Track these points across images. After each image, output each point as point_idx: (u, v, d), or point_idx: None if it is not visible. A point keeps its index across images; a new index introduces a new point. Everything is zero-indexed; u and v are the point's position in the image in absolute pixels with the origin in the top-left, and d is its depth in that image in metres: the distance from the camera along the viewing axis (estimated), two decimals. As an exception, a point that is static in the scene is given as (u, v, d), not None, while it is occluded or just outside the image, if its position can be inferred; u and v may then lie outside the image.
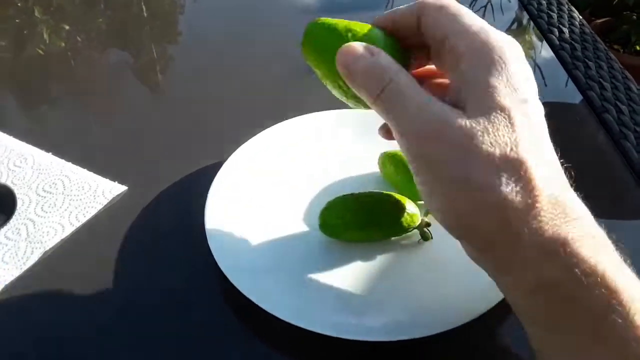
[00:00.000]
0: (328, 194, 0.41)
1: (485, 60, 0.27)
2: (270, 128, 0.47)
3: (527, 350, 0.33)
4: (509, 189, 0.25)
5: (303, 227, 0.41)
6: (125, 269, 0.39)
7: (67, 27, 0.71)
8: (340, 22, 0.30)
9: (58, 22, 0.73)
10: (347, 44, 0.29)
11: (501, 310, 0.32)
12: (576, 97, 0.56)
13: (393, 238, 0.40)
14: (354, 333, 0.33)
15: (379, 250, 0.39)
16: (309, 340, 0.33)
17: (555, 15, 0.68)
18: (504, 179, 0.25)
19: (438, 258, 0.38)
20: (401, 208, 0.39)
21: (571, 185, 0.27)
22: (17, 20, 0.74)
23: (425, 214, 0.40)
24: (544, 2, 0.71)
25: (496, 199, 0.25)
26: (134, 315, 0.37)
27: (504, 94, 0.26)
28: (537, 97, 0.28)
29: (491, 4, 0.74)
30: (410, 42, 0.31)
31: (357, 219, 0.39)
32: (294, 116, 0.48)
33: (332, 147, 0.47)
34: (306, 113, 0.48)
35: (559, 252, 0.24)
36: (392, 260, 0.39)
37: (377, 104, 0.28)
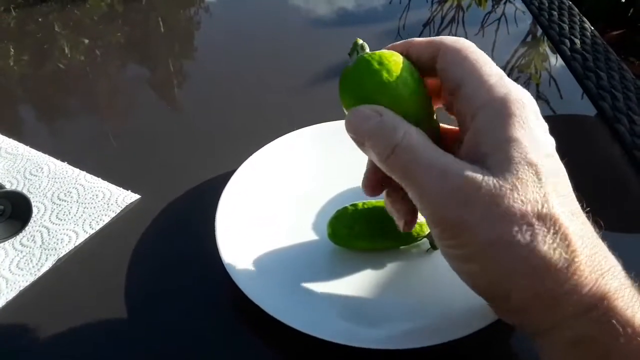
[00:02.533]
0: (337, 203, 0.41)
1: (506, 114, 0.25)
2: (279, 138, 0.47)
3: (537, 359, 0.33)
4: (547, 246, 0.24)
5: (313, 237, 0.41)
6: (138, 276, 0.40)
7: (86, 42, 0.73)
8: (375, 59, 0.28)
9: (77, 37, 0.75)
10: (354, 108, 0.28)
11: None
12: (591, 110, 0.56)
13: (402, 247, 0.40)
14: (363, 341, 0.33)
15: (389, 259, 0.39)
16: (319, 348, 0.33)
17: (566, 26, 0.68)
18: (540, 237, 0.24)
19: (447, 267, 0.38)
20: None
21: (598, 233, 0.26)
22: (38, 35, 0.76)
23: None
24: (555, 13, 0.71)
25: (535, 258, 0.24)
26: (145, 323, 0.37)
27: (528, 148, 0.25)
28: (554, 149, 0.27)
29: (505, 16, 0.74)
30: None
31: (366, 229, 0.39)
32: (304, 126, 0.48)
33: (341, 156, 0.47)
34: (316, 123, 0.49)
35: (597, 307, 0.24)
36: (402, 269, 0.39)
37: (389, 166, 0.27)
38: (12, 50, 0.72)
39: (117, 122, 0.59)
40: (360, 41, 0.30)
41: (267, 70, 0.64)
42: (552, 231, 0.24)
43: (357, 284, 0.38)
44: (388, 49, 0.30)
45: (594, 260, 0.24)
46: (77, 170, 0.48)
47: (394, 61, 0.28)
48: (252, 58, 0.67)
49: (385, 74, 0.28)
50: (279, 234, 0.41)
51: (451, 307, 0.35)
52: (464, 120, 0.27)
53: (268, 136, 0.47)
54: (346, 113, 0.29)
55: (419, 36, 0.70)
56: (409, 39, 0.30)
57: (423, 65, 0.29)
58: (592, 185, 0.41)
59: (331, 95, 0.51)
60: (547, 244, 0.24)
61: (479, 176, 0.25)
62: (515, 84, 0.27)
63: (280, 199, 0.44)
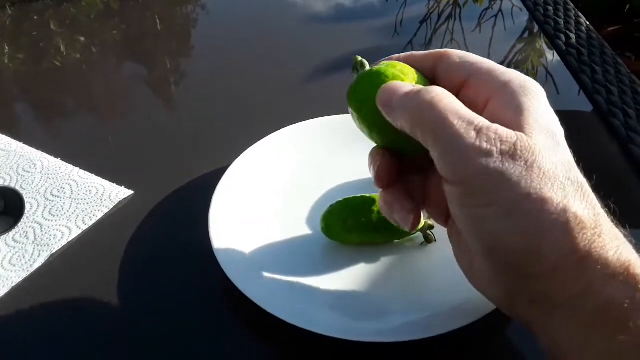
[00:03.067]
0: (331, 198, 0.41)
1: (526, 91, 0.27)
2: (273, 134, 0.47)
3: (530, 351, 0.33)
4: (577, 204, 0.24)
5: (306, 231, 0.41)
6: (131, 272, 0.40)
7: (82, 40, 0.73)
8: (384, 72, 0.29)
9: (73, 35, 0.74)
10: (386, 84, 0.28)
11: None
12: (588, 105, 0.56)
13: (396, 241, 0.40)
14: (357, 334, 0.33)
15: (382, 253, 0.39)
16: (314, 342, 0.33)
17: (562, 22, 0.68)
18: (571, 195, 0.24)
19: (441, 260, 0.38)
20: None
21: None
22: (33, 33, 0.75)
23: (428, 217, 0.40)
24: (550, 8, 0.71)
25: (567, 214, 0.24)
26: (139, 318, 0.37)
27: (549, 118, 0.27)
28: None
29: (502, 12, 0.74)
30: None
31: (359, 223, 0.39)
32: (298, 122, 0.48)
33: (335, 151, 0.47)
34: (310, 119, 0.49)
35: (622, 273, 0.24)
36: (396, 263, 0.39)
37: (425, 121, 0.26)
38: (7, 48, 0.72)
39: (111, 118, 0.59)
40: (359, 58, 0.31)
41: (263, 68, 0.64)
42: (580, 192, 0.25)
43: (351, 278, 0.38)
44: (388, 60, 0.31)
45: (613, 229, 0.25)
46: (70, 167, 0.48)
47: (402, 68, 0.29)
48: (248, 55, 0.67)
49: (401, 77, 0.29)
50: (273, 228, 0.41)
51: (445, 300, 0.35)
52: (476, 109, 0.27)
53: (262, 132, 0.47)
54: (358, 125, 0.31)
55: (416, 33, 0.70)
56: (409, 53, 0.31)
57: (424, 72, 0.30)
58: (589, 179, 0.41)
59: (326, 91, 0.51)
60: (578, 201, 0.24)
61: (513, 134, 0.25)
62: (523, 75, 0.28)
63: (273, 194, 0.44)
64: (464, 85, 0.28)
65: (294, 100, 0.57)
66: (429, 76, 0.30)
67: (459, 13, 0.76)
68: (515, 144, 0.25)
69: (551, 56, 0.64)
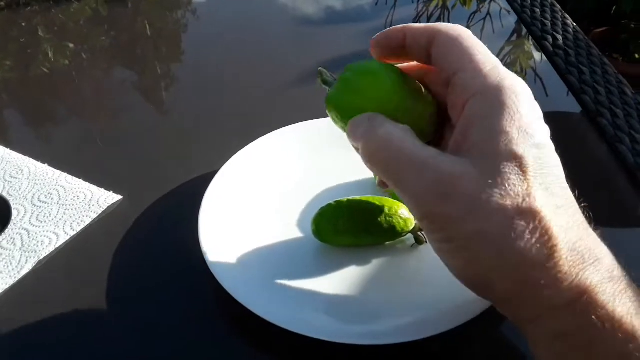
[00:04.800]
0: (321, 200, 0.41)
1: (496, 104, 0.25)
2: (263, 137, 0.47)
3: (521, 351, 0.33)
4: (525, 242, 0.24)
5: (297, 234, 0.41)
6: (119, 278, 0.39)
7: (71, 46, 0.72)
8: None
9: (62, 41, 0.74)
10: (351, 119, 0.28)
11: (496, 312, 0.32)
12: (576, 106, 0.56)
13: (387, 243, 0.40)
14: (349, 337, 0.33)
15: (374, 255, 0.39)
16: (305, 345, 0.33)
17: (549, 23, 0.69)
18: (518, 232, 0.24)
19: (432, 261, 0.38)
20: (394, 213, 0.39)
21: (590, 224, 0.26)
22: (21, 40, 0.75)
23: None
24: (537, 10, 0.72)
25: (513, 253, 0.24)
26: (128, 324, 0.36)
27: (515, 140, 0.24)
28: (549, 137, 0.27)
29: (490, 15, 0.74)
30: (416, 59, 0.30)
31: (350, 225, 0.39)
32: (288, 125, 0.48)
33: (325, 153, 0.47)
34: (301, 121, 0.48)
35: (577, 301, 0.24)
36: (387, 265, 0.39)
37: (372, 164, 0.27)
38: (-5, 54, 0.72)
39: (99, 124, 0.59)
40: (323, 70, 0.31)
41: (254, 72, 0.64)
42: (531, 226, 0.24)
43: (342, 280, 0.38)
44: (384, 34, 0.30)
45: (577, 253, 0.24)
46: (57, 172, 0.47)
47: (369, 75, 0.29)
48: (238, 60, 0.67)
49: (363, 91, 0.29)
50: (263, 232, 0.41)
51: (437, 302, 0.35)
52: (457, 110, 0.27)
53: (253, 136, 0.47)
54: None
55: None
56: (406, 24, 0.30)
57: (420, 52, 0.29)
58: (577, 179, 0.41)
59: (315, 93, 0.51)
60: (525, 239, 0.24)
61: (459, 170, 0.25)
62: (509, 72, 0.27)
63: (264, 197, 0.44)
64: (455, 76, 0.27)
65: (285, 103, 0.57)
66: (425, 50, 0.29)
67: (448, 16, 0.76)
68: (460, 181, 0.24)
69: (539, 58, 0.64)
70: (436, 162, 0.25)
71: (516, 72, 0.62)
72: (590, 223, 0.26)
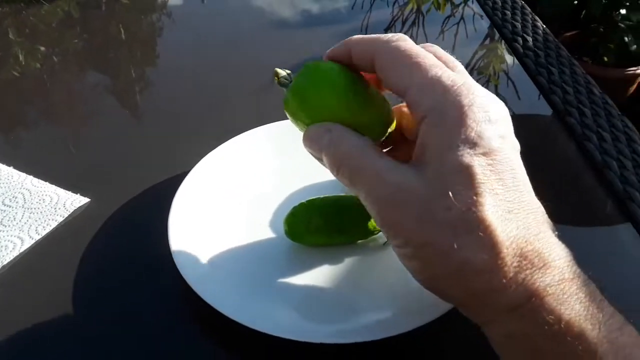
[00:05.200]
0: (294, 200, 0.41)
1: (443, 120, 0.26)
2: (234, 138, 0.46)
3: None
4: (468, 251, 0.24)
5: (269, 234, 0.41)
6: (86, 282, 0.38)
7: (42, 49, 0.71)
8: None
9: (33, 44, 0.72)
10: (307, 129, 0.30)
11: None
12: (548, 109, 0.56)
13: (359, 241, 0.40)
14: (321, 337, 0.33)
15: (346, 253, 0.39)
16: (276, 345, 0.32)
17: (519, 25, 0.70)
18: (461, 242, 0.24)
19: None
20: (366, 211, 0.39)
21: (549, 223, 0.26)
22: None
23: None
24: (508, 12, 0.73)
25: (457, 262, 0.25)
26: (95, 329, 0.36)
27: (461, 152, 0.25)
28: (510, 135, 0.27)
29: (463, 20, 0.75)
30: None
31: (322, 224, 0.39)
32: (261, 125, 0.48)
33: (298, 153, 0.46)
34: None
35: (524, 306, 0.24)
36: (359, 263, 0.39)
37: (337, 174, 0.29)
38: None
39: (66, 126, 0.57)
40: (279, 71, 0.31)
41: (229, 74, 0.63)
42: (475, 234, 0.24)
43: (314, 279, 0.37)
44: (331, 52, 0.31)
45: (524, 259, 0.24)
46: (23, 175, 0.46)
47: (321, 82, 0.29)
48: (214, 62, 0.66)
49: (314, 98, 0.29)
50: (234, 233, 0.40)
51: (409, 298, 0.35)
52: (417, 122, 0.28)
53: (225, 137, 0.46)
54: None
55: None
56: (348, 40, 0.30)
57: (368, 67, 0.29)
58: (547, 178, 0.42)
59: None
60: (468, 249, 0.24)
61: (410, 180, 0.26)
62: (455, 80, 0.27)
63: (236, 197, 0.43)
64: (402, 94, 0.28)
65: (260, 105, 0.57)
66: (371, 68, 0.29)
67: (422, 20, 0.77)
68: (411, 193, 0.26)
69: (512, 61, 0.65)
70: (393, 173, 0.27)
71: (489, 75, 0.63)
72: (551, 222, 0.26)
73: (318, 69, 0.30)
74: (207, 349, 0.35)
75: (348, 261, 0.39)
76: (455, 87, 0.26)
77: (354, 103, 0.29)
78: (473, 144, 0.25)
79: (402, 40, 0.28)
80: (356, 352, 0.33)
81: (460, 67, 0.29)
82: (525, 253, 0.24)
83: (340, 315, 0.35)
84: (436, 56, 0.28)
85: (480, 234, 0.24)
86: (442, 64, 0.28)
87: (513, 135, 0.28)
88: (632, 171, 0.47)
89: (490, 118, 0.26)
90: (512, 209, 0.25)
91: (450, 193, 0.25)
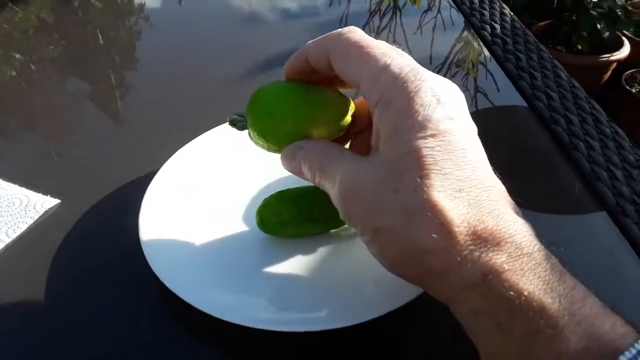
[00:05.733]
0: (266, 192, 0.41)
1: (392, 109, 0.27)
2: (203, 134, 0.46)
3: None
4: (419, 232, 0.25)
5: (242, 227, 0.41)
6: (58, 284, 0.38)
7: (17, 56, 0.70)
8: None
9: (8, 52, 0.71)
10: (282, 153, 0.32)
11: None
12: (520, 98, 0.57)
13: (332, 231, 0.40)
14: (295, 325, 0.33)
15: (319, 243, 0.39)
16: (253, 337, 0.32)
17: (487, 13, 0.71)
18: (411, 223, 0.25)
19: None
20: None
21: (509, 190, 0.27)
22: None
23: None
24: (476, 1, 0.74)
25: (409, 244, 0.25)
26: (69, 331, 0.35)
27: (407, 137, 0.26)
28: (462, 116, 0.27)
29: (441, 14, 0.75)
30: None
31: (294, 215, 0.39)
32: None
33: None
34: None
35: (482, 283, 0.24)
36: (332, 252, 0.39)
37: (316, 183, 0.31)
38: None
39: (34, 127, 0.57)
40: (234, 117, 0.34)
41: (209, 74, 0.63)
42: (424, 215, 0.25)
43: (288, 270, 0.37)
44: (289, 64, 0.32)
45: (477, 237, 0.25)
46: (-9, 179, 0.45)
47: (269, 107, 0.32)
48: (191, 62, 0.66)
49: (269, 126, 0.32)
50: (208, 227, 0.40)
51: (381, 284, 0.35)
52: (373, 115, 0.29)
53: (196, 135, 0.46)
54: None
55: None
56: (303, 49, 0.31)
57: (327, 70, 0.30)
58: (516, 162, 0.42)
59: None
60: (418, 230, 0.25)
61: (365, 172, 0.27)
62: (402, 67, 0.27)
63: (207, 192, 0.43)
64: (359, 86, 0.29)
65: (235, 101, 0.57)
66: (329, 70, 0.30)
67: (400, 15, 0.77)
68: (360, 182, 0.27)
69: (489, 54, 0.65)
70: (349, 165, 0.28)
71: (467, 68, 0.64)
72: (509, 199, 0.27)
73: (261, 98, 0.32)
74: (180, 342, 0.35)
75: (321, 250, 0.39)
76: (403, 74, 0.27)
77: (306, 114, 0.32)
78: (420, 127, 0.26)
79: (352, 32, 0.29)
80: (330, 340, 0.33)
81: (408, 56, 0.30)
82: (478, 231, 0.25)
83: (314, 303, 0.35)
84: None
85: (428, 214, 0.25)
86: (391, 51, 0.28)
87: (467, 116, 0.28)
88: (599, 152, 0.48)
89: (439, 101, 0.27)
90: (462, 188, 0.25)
91: (397, 176, 0.25)
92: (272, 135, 0.32)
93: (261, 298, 0.36)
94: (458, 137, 0.26)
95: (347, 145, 0.36)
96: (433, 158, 0.25)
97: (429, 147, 0.25)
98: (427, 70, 0.28)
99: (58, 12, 0.80)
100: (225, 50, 0.69)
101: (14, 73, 0.66)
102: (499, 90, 0.58)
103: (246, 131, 0.34)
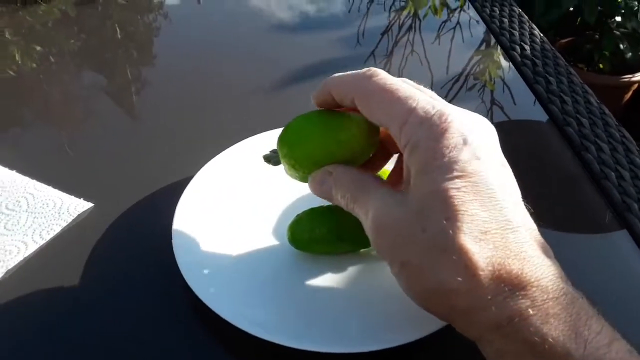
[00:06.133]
0: (298, 207, 0.41)
1: (418, 153, 0.27)
2: (238, 143, 0.47)
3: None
4: (443, 273, 0.25)
5: (273, 242, 0.41)
6: (91, 287, 0.38)
7: (38, 49, 0.71)
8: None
9: (30, 44, 0.72)
10: (310, 177, 0.34)
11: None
12: (543, 115, 0.57)
13: (362, 250, 0.40)
14: (326, 345, 0.33)
15: (349, 262, 0.39)
16: (280, 353, 0.33)
17: (517, 33, 0.70)
18: (436, 263, 0.25)
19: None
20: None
21: (536, 222, 0.27)
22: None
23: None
24: (506, 20, 0.74)
25: (433, 283, 0.26)
26: (101, 336, 0.36)
27: (436, 177, 0.26)
28: (490, 153, 0.28)
29: (460, 25, 0.76)
30: None
31: (325, 233, 0.39)
32: (262, 131, 0.48)
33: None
34: (275, 128, 0.48)
35: (508, 325, 0.24)
36: (362, 272, 0.39)
37: (347, 209, 0.32)
38: (-42, 57, 0.69)
39: (69, 129, 0.58)
40: (266, 155, 0.37)
41: (226, 77, 0.64)
42: (449, 256, 0.25)
43: (318, 288, 0.38)
44: (315, 96, 0.33)
45: (502, 280, 0.25)
46: (26, 179, 0.46)
47: (300, 139, 0.33)
48: (211, 64, 0.67)
49: (301, 159, 0.33)
50: (238, 240, 0.41)
51: (411, 307, 0.35)
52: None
53: (227, 142, 0.47)
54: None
55: (377, 44, 0.71)
56: (326, 82, 0.32)
57: (351, 106, 0.31)
58: (544, 186, 0.42)
59: (290, 98, 0.51)
60: (443, 269, 0.25)
61: (392, 205, 0.28)
62: (426, 102, 0.28)
63: (239, 204, 0.44)
64: (387, 129, 0.30)
65: (258, 109, 0.57)
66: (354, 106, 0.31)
67: (419, 25, 0.77)
68: (389, 217, 0.28)
69: (507, 67, 0.66)
70: (382, 200, 0.29)
71: (485, 81, 0.64)
72: (540, 238, 0.27)
73: (289, 131, 0.34)
74: (208, 353, 0.35)
75: (351, 270, 0.39)
76: (428, 117, 0.27)
77: (333, 145, 0.33)
78: (447, 169, 0.26)
79: (376, 76, 0.30)
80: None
81: (432, 93, 0.31)
82: (502, 275, 0.25)
83: (341, 324, 0.35)
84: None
85: (453, 256, 0.25)
86: (416, 92, 0.29)
87: (495, 152, 0.29)
88: (630, 182, 0.48)
89: (466, 141, 0.27)
90: (488, 230, 0.25)
91: (426, 215, 0.26)
92: (303, 166, 0.34)
93: (287, 314, 0.36)
94: (485, 177, 0.27)
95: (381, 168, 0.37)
96: (460, 199, 0.26)
97: (455, 188, 0.26)
98: (454, 108, 0.28)
99: (80, 6, 0.81)
100: (241, 51, 0.70)
101: (34, 65, 0.67)
102: (515, 104, 0.58)
103: (281, 165, 0.36)
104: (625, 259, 0.42)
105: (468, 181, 0.26)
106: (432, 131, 0.27)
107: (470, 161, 0.27)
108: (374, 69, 0.30)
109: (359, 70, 0.31)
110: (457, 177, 0.26)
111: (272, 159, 0.36)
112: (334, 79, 0.31)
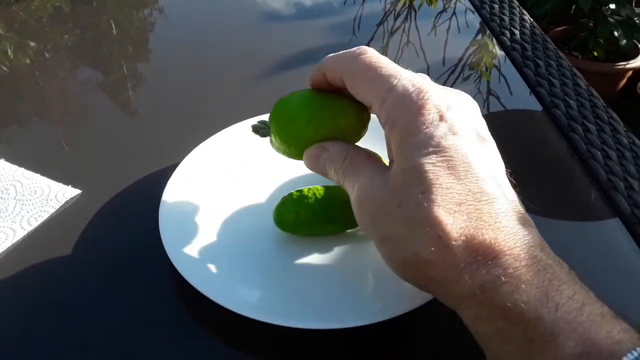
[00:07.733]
0: (284, 189, 0.41)
1: (396, 129, 0.28)
2: (224, 129, 0.47)
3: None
4: (418, 245, 0.26)
5: (259, 223, 0.41)
6: (79, 273, 0.39)
7: (32, 44, 0.71)
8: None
9: (23, 39, 0.72)
10: (305, 152, 0.34)
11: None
12: (537, 104, 0.57)
13: (348, 230, 0.40)
14: (307, 322, 0.33)
15: (335, 242, 0.40)
16: (267, 332, 0.33)
17: (507, 18, 0.71)
18: (412, 235, 0.26)
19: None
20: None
21: (519, 194, 0.28)
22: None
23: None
24: (496, 6, 0.74)
25: (409, 254, 0.27)
26: (88, 322, 0.36)
27: (414, 151, 0.27)
28: (469, 129, 0.28)
29: (455, 16, 0.75)
30: None
31: (312, 214, 0.39)
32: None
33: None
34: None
35: (481, 293, 0.25)
36: (347, 252, 0.39)
37: (339, 183, 0.32)
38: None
39: (56, 119, 0.58)
40: (255, 124, 0.37)
41: (221, 66, 0.64)
42: (424, 228, 0.26)
43: (304, 268, 0.38)
44: (311, 79, 0.34)
45: (475, 250, 0.25)
46: (14, 167, 0.46)
47: (291, 114, 0.34)
48: (206, 53, 0.67)
49: (291, 132, 0.34)
50: (225, 223, 0.41)
51: (396, 284, 0.35)
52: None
53: (216, 130, 0.47)
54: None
55: (373, 35, 0.71)
56: (322, 62, 0.32)
57: (342, 89, 0.32)
58: (535, 171, 0.42)
59: (279, 87, 0.51)
60: (418, 241, 0.26)
61: (373, 185, 0.29)
62: (407, 80, 0.29)
63: (226, 188, 0.44)
64: (371, 106, 0.31)
65: (251, 98, 0.57)
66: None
67: (415, 16, 0.77)
68: (370, 192, 0.29)
69: (503, 57, 0.65)
70: (367, 176, 0.30)
71: (481, 71, 0.64)
72: (519, 208, 0.27)
73: (284, 105, 0.34)
74: (194, 331, 0.35)
75: (337, 250, 0.39)
76: (406, 95, 0.28)
77: (326, 120, 0.33)
78: (422, 145, 0.27)
79: (364, 54, 0.30)
80: (342, 337, 0.33)
81: (416, 74, 0.31)
82: (475, 244, 0.25)
83: (327, 301, 0.36)
84: None
85: (427, 228, 0.26)
86: (400, 70, 0.29)
87: (476, 127, 0.29)
88: (617, 161, 0.48)
89: (442, 117, 0.28)
90: (463, 201, 0.26)
91: (402, 191, 0.27)
92: (294, 141, 0.34)
93: (275, 293, 0.36)
94: (461, 151, 0.27)
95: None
96: (435, 174, 0.26)
97: (430, 163, 0.27)
98: (434, 86, 0.29)
99: (74, 1, 0.81)
100: (237, 45, 0.70)
101: (27, 61, 0.67)
102: (511, 94, 0.58)
103: (267, 137, 0.35)
104: (610, 237, 0.42)
105: (443, 156, 0.27)
106: (410, 108, 0.28)
107: (445, 136, 0.27)
108: (364, 48, 0.31)
109: (350, 49, 0.31)
110: (433, 152, 0.27)
111: (260, 129, 0.37)
112: (328, 59, 0.32)
